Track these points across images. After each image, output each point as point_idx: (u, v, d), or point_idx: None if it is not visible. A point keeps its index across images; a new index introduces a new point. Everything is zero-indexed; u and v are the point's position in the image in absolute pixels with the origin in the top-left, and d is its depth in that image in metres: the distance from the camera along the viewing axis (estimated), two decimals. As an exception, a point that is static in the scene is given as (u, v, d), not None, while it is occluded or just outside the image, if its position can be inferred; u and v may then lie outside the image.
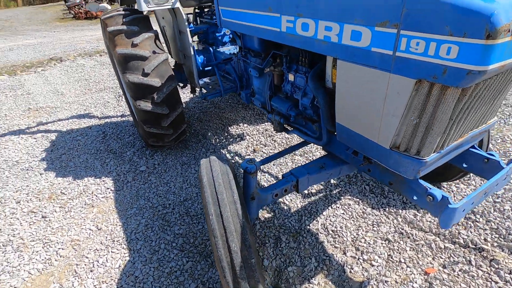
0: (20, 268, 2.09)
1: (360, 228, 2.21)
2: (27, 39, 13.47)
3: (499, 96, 1.31)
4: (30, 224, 2.48)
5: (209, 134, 3.64)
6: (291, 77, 1.94)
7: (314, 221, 2.30)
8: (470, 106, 1.17)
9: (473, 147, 1.63)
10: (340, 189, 2.60)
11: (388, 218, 2.26)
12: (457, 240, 2.03)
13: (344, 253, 2.02)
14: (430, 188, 1.33)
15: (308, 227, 2.26)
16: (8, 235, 2.38)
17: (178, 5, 2.75)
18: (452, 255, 1.94)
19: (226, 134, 3.63)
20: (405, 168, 1.29)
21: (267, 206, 2.47)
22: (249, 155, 3.20)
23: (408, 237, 2.09)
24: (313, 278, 1.88)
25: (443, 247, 1.99)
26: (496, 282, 1.74)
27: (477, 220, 2.15)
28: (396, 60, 1.12)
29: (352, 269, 1.92)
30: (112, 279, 1.97)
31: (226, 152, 3.27)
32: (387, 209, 2.35)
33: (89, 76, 6.43)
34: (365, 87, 1.31)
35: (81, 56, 8.34)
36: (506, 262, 1.84)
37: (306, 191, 2.61)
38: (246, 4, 1.94)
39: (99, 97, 5.19)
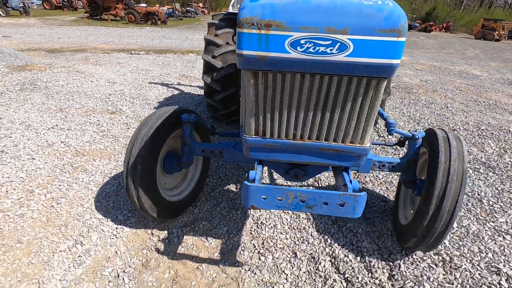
0: (117, 136, 3.43)
1: (292, 245, 2.21)
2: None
3: (336, 108, 1.27)
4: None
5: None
6: None
7: (267, 225, 2.35)
8: (275, 97, 1.27)
9: (346, 170, 1.50)
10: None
11: (321, 253, 2.16)
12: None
13: (248, 243, 2.18)
14: (252, 171, 1.45)
15: (256, 222, 2.43)
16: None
17: None
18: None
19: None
20: (243, 143, 1.49)
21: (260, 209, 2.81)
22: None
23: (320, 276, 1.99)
24: (205, 238, 2.19)
25: None
26: None
27: None
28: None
29: (240, 254, 2.08)
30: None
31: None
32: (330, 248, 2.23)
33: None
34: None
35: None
36: None
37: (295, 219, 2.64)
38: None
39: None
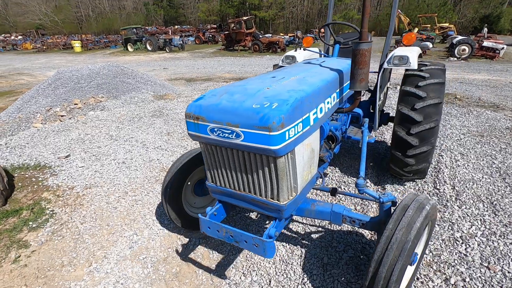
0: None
1: (272, 274, 2.63)
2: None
3: (252, 172, 1.70)
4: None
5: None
6: None
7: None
8: (217, 162, 1.81)
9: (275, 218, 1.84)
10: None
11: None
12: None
13: (239, 263, 2.68)
14: (208, 207, 2.02)
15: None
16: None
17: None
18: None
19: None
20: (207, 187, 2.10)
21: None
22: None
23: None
24: (212, 251, 2.81)
25: None
26: None
27: None
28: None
29: (229, 270, 2.62)
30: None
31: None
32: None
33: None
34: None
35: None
36: None
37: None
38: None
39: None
